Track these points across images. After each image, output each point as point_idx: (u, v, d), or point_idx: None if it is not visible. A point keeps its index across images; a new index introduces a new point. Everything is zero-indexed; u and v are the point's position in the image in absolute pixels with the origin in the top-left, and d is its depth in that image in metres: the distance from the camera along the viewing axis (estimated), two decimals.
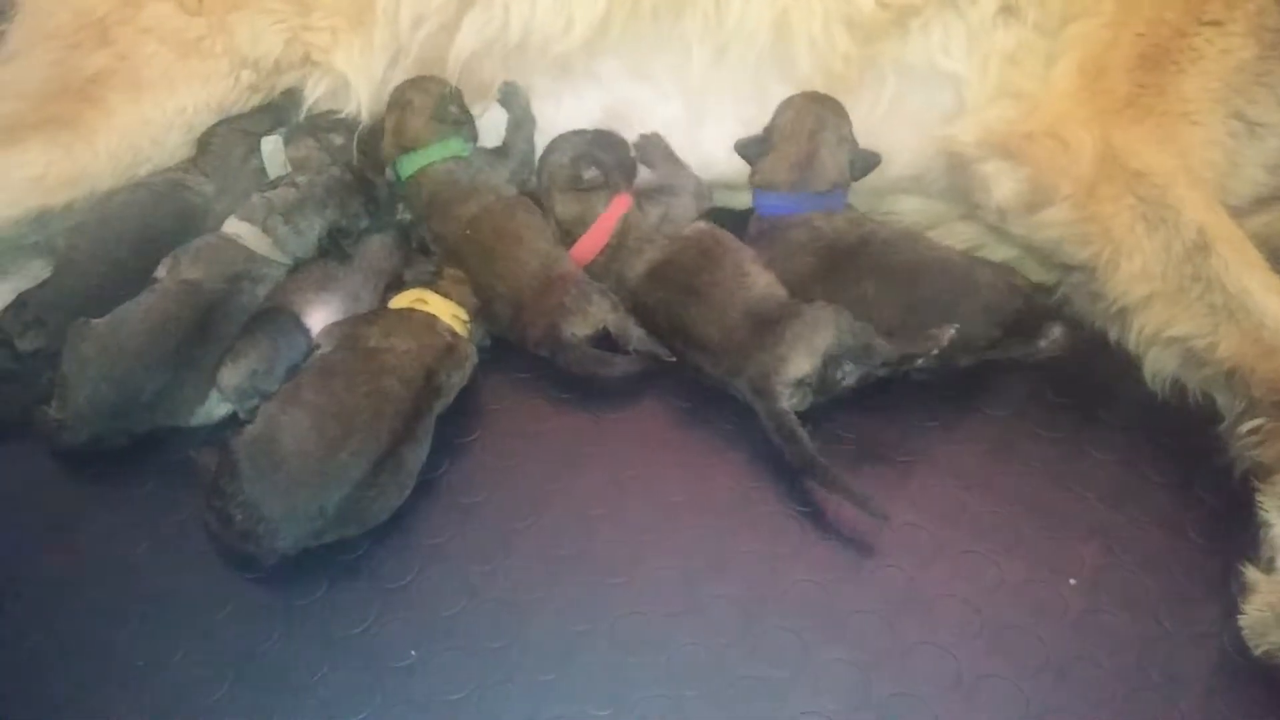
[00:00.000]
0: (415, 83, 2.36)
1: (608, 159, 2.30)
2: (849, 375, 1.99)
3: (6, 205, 2.16)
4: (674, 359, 2.10)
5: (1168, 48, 2.11)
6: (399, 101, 2.35)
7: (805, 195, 2.22)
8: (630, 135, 2.39)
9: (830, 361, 1.96)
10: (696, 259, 2.12)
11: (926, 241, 2.25)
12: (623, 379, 2.13)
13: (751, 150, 2.29)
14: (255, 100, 2.39)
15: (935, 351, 1.96)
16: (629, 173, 2.34)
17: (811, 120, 2.25)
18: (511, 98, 2.39)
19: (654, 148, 2.36)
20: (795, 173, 2.23)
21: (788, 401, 1.95)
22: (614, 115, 2.41)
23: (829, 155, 2.23)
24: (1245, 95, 2.09)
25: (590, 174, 2.26)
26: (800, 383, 1.96)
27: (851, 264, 2.12)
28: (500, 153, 2.38)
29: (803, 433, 1.92)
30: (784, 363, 1.95)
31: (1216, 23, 2.11)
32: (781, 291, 2.08)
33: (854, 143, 2.27)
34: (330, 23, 2.36)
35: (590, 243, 2.24)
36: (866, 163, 2.27)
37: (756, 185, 2.27)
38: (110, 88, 2.24)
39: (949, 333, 1.95)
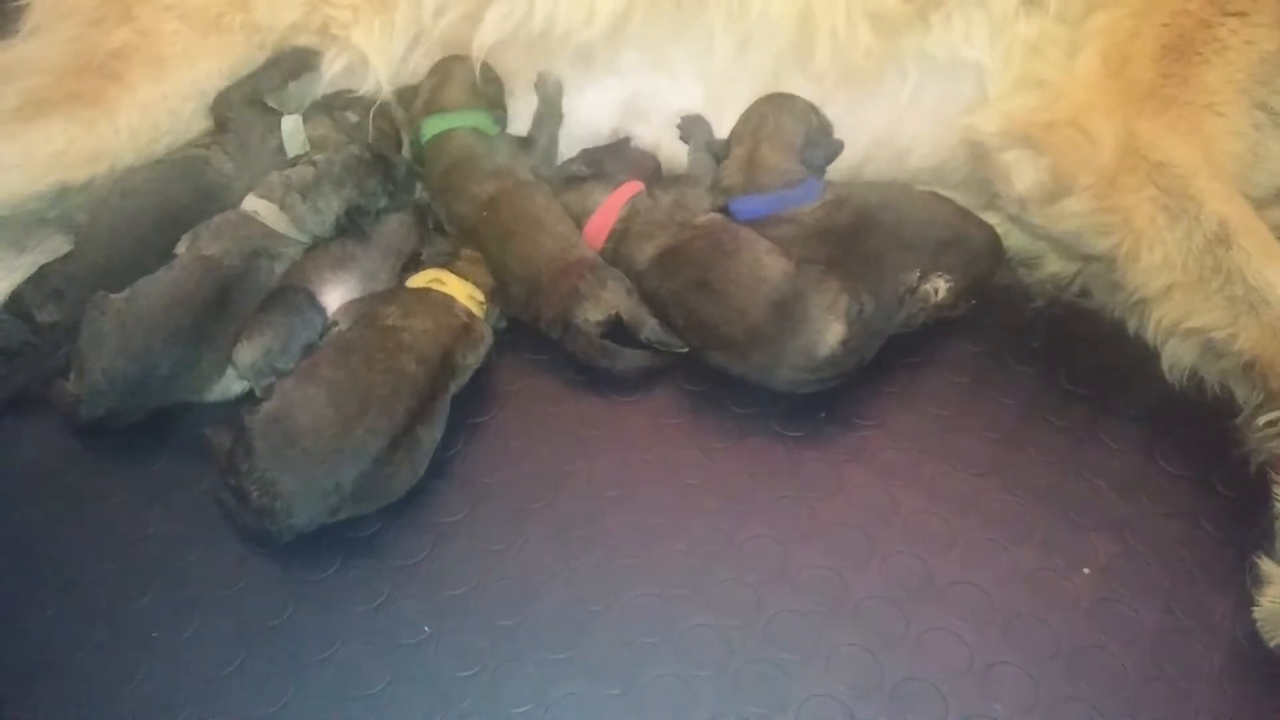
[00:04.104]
0: (460, 58, 2.39)
1: (602, 155, 2.32)
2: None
3: (28, 180, 2.17)
4: (686, 349, 2.10)
5: (1191, 38, 2.10)
6: (441, 69, 2.39)
7: (776, 194, 2.19)
8: (650, 125, 2.40)
9: (863, 320, 1.98)
10: (709, 251, 2.10)
11: (909, 196, 2.25)
12: (627, 374, 2.12)
13: (718, 151, 2.30)
14: None
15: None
16: (629, 165, 2.34)
17: (755, 119, 2.26)
18: (545, 88, 2.41)
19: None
20: (742, 173, 2.23)
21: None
22: (634, 105, 2.42)
23: (769, 150, 2.22)
24: (1269, 86, 2.07)
25: (576, 167, 2.29)
26: (846, 344, 1.96)
27: (861, 242, 2.11)
28: (524, 143, 2.39)
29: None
30: (820, 334, 1.96)
31: (1241, 13, 2.09)
32: (788, 265, 2.06)
33: (811, 134, 2.25)
34: (351, 1, 2.37)
35: (594, 228, 2.23)
36: (826, 151, 2.25)
37: (721, 191, 2.25)
38: (132, 64, 2.25)
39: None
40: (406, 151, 2.40)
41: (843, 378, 2.01)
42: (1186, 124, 2.07)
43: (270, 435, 1.85)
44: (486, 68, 2.38)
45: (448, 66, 2.39)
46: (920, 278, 2.10)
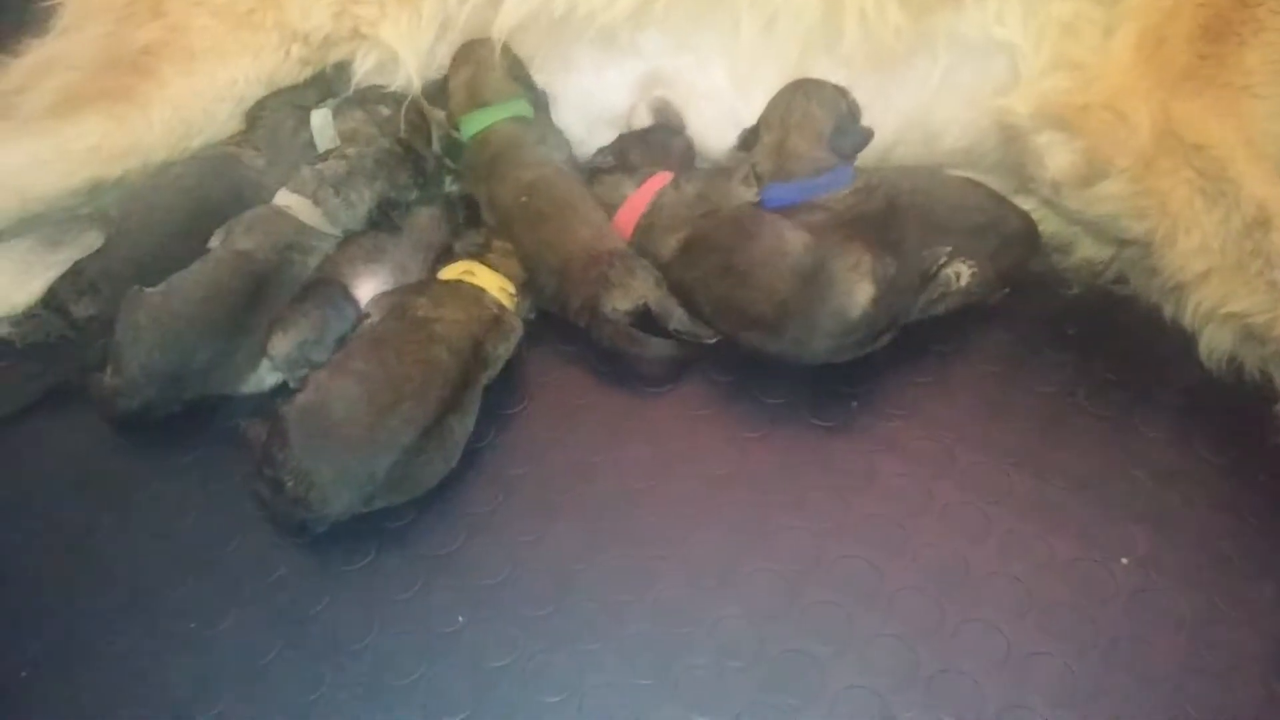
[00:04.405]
0: (483, 42, 2.38)
1: (632, 143, 2.31)
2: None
3: (63, 175, 2.20)
4: (714, 340, 2.09)
5: (1229, 19, 2.06)
6: (470, 58, 2.38)
7: (806, 182, 2.17)
8: (674, 106, 2.39)
9: (891, 278, 1.97)
10: (730, 236, 2.09)
11: (942, 182, 2.24)
12: (654, 362, 2.11)
13: (748, 142, 2.28)
14: (306, 74, 2.40)
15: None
16: (660, 154, 2.32)
17: (783, 106, 2.24)
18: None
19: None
20: (771, 160, 2.21)
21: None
22: (657, 87, 2.40)
23: (799, 139, 2.20)
24: None
25: (601, 158, 2.29)
26: (877, 302, 1.95)
27: (893, 229, 2.09)
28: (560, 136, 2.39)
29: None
30: (850, 295, 1.95)
31: None
32: (810, 238, 2.05)
33: (841, 121, 2.22)
34: None
35: (622, 220, 2.23)
36: (855, 140, 2.23)
37: (755, 178, 2.23)
38: (163, 59, 2.27)
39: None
40: (436, 145, 2.40)
41: (878, 341, 2.00)
42: (1224, 106, 2.04)
43: (305, 426, 1.86)
44: (506, 49, 2.38)
45: (474, 54, 2.38)
46: (946, 257, 2.08)
